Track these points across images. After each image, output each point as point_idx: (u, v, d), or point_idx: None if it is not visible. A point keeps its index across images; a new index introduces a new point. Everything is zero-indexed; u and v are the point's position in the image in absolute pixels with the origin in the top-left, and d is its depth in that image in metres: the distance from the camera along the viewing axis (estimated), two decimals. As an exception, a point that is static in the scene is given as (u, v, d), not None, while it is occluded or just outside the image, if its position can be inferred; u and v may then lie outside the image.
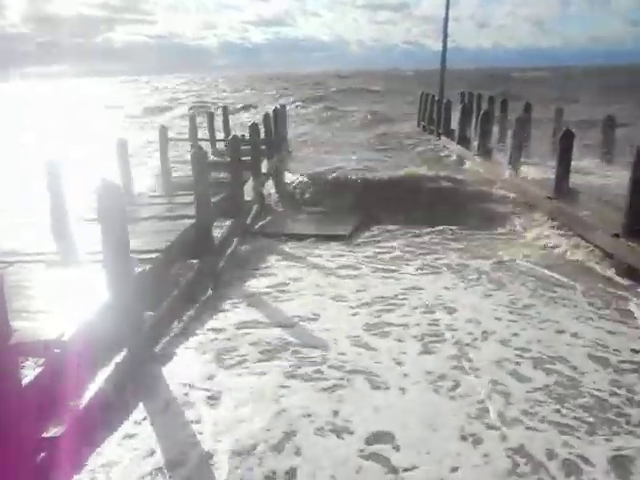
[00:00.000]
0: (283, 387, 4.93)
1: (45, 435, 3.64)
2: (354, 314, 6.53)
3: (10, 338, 3.12)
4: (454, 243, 9.38)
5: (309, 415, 4.53)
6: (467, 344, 5.74)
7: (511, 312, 6.50)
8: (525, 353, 5.54)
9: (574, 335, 5.91)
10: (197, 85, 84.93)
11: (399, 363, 5.38)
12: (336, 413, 4.55)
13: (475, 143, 15.76)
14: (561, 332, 5.99)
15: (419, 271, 8.04)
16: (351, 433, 4.31)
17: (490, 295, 7.03)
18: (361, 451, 4.12)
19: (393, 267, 8.21)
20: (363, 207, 11.32)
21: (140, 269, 5.71)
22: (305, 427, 4.38)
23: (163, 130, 12.67)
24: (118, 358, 4.63)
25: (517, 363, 5.36)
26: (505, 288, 7.27)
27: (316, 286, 7.42)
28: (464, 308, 6.61)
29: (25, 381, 3.52)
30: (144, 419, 4.45)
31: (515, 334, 5.94)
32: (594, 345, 5.67)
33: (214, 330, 6.09)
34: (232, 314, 6.54)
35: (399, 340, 5.85)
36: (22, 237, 7.36)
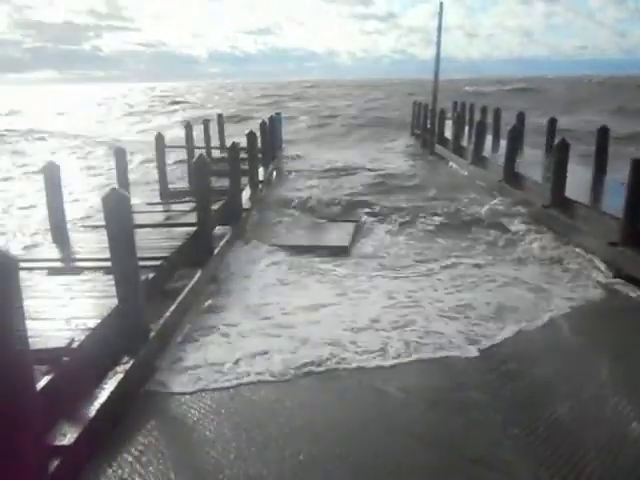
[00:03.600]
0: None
1: (57, 444, 3.60)
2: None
3: (27, 345, 3.08)
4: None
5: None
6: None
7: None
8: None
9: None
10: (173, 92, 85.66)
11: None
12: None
13: (469, 152, 15.90)
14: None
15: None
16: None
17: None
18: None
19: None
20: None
21: (144, 276, 5.68)
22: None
23: (160, 137, 12.59)
24: (127, 366, 4.59)
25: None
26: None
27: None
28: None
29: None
30: (153, 428, 4.41)
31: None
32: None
33: (219, 336, 6.05)
34: (234, 322, 6.49)
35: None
36: (20, 242, 7.30)
